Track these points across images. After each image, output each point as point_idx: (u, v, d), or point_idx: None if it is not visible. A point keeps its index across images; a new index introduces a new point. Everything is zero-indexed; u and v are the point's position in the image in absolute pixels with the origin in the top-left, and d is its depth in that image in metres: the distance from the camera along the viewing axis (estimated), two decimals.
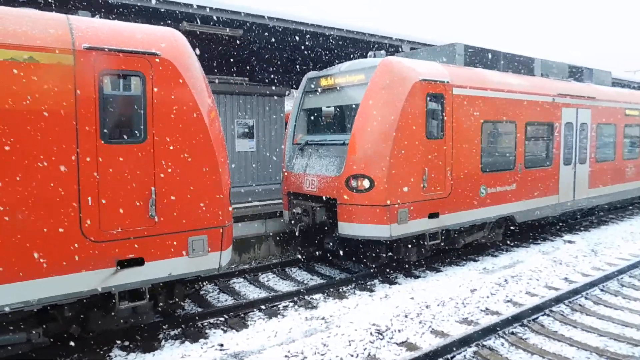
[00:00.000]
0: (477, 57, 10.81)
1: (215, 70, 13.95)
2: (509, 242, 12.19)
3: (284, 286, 9.06)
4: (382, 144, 8.20)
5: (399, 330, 6.64)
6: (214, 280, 9.10)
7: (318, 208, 8.81)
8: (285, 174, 10.02)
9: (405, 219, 8.44)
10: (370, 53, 9.44)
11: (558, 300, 7.79)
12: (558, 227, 13.95)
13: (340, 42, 12.25)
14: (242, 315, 7.43)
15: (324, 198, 8.93)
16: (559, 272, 9.62)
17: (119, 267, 5.55)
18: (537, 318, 7.22)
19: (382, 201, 8.19)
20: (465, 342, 6.25)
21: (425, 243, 9.13)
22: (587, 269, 9.84)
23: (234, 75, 14.64)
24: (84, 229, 5.24)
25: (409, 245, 9.10)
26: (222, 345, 6.22)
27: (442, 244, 9.68)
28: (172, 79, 5.78)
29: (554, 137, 11.91)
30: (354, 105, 8.91)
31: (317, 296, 8.27)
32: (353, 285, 8.81)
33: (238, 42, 11.55)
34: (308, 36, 11.77)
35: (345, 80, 9.29)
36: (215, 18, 9.89)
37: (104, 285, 5.48)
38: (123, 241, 5.55)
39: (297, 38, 11.80)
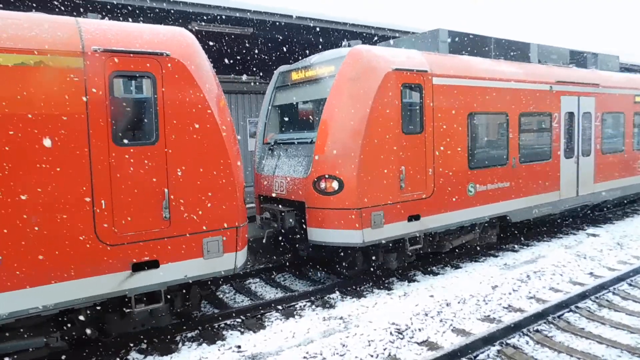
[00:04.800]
0: (464, 43, 9.99)
1: (229, 70, 13.91)
2: (530, 237, 11.91)
3: (300, 286, 8.96)
4: (351, 142, 7.49)
5: (420, 330, 6.49)
6: (230, 281, 9.04)
7: (286, 212, 8.08)
8: (256, 175, 9.47)
9: (380, 223, 7.75)
10: (344, 42, 8.56)
11: (584, 295, 7.53)
12: (580, 220, 13.60)
13: (349, 37, 12.07)
14: (259, 316, 7.35)
15: (293, 202, 8.26)
16: (584, 266, 9.34)
17: (134, 270, 5.50)
18: (562, 315, 6.99)
19: (352, 204, 7.50)
20: (488, 340, 6.06)
21: (406, 248, 8.43)
22: (613, 263, 9.54)
23: (247, 74, 14.58)
24: (98, 233, 5.20)
25: (388, 251, 8.47)
26: (239, 346, 6.14)
27: (426, 248, 8.96)
28: (183, 79, 5.71)
29: (553, 129, 11.03)
30: (323, 100, 8.11)
31: (334, 295, 8.14)
32: (370, 284, 8.66)
33: (249, 40, 11.47)
34: (318, 33, 11.64)
35: (315, 72, 8.55)
36: (224, 17, 9.81)
37: (120, 288, 5.44)
38: (137, 244, 5.50)
39: (308, 35, 11.69)
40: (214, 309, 7.77)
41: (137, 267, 5.54)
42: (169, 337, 6.55)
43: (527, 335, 6.36)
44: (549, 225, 12.79)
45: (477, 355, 5.83)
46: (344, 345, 5.99)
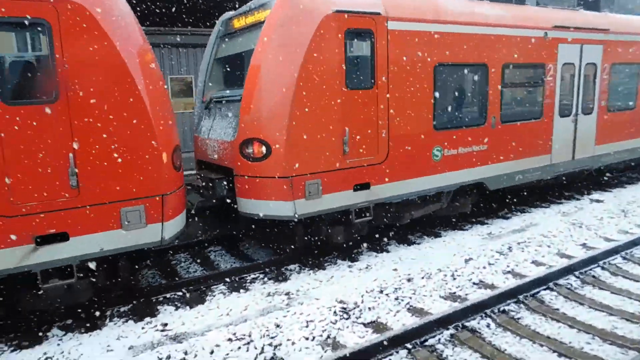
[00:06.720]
0: None
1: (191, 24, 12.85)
2: (525, 202, 10.90)
3: (263, 255, 8.33)
4: (280, 100, 6.45)
5: (370, 308, 5.83)
6: (189, 249, 8.51)
7: (217, 180, 7.17)
8: (195, 138, 8.50)
9: (317, 193, 6.77)
10: None
11: (567, 270, 6.72)
12: (587, 183, 12.48)
13: None
14: (204, 289, 6.81)
15: (224, 168, 7.34)
16: (577, 236, 8.44)
17: (38, 244, 4.96)
18: (537, 293, 6.22)
19: (281, 171, 6.56)
20: (443, 322, 5.37)
21: (352, 220, 7.40)
22: (611, 233, 8.60)
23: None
24: None
25: (333, 224, 7.46)
26: (165, 325, 5.62)
27: (380, 221, 7.97)
28: (87, 27, 4.92)
29: (546, 82, 9.56)
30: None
31: (292, 266, 7.52)
32: (336, 254, 7.98)
33: None
34: None
35: (253, 18, 7.34)
36: None
37: (21, 264, 4.91)
38: (40, 215, 4.92)
39: None
40: (161, 280, 7.27)
41: (42, 241, 4.99)
42: (101, 312, 6.08)
43: (490, 317, 5.64)
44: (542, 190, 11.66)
45: (426, 340, 5.16)
46: (277, 326, 5.39)
